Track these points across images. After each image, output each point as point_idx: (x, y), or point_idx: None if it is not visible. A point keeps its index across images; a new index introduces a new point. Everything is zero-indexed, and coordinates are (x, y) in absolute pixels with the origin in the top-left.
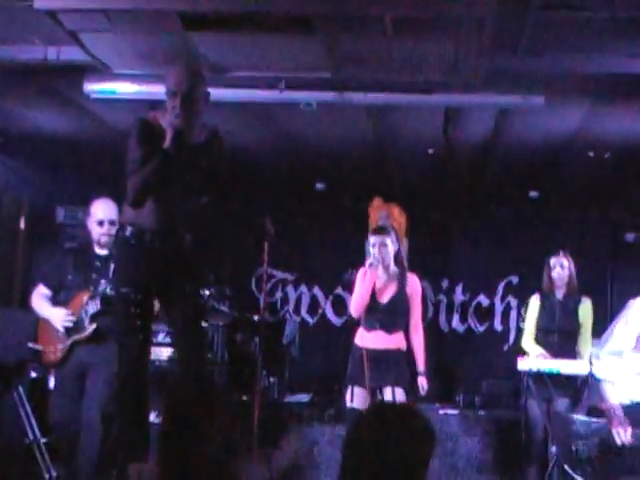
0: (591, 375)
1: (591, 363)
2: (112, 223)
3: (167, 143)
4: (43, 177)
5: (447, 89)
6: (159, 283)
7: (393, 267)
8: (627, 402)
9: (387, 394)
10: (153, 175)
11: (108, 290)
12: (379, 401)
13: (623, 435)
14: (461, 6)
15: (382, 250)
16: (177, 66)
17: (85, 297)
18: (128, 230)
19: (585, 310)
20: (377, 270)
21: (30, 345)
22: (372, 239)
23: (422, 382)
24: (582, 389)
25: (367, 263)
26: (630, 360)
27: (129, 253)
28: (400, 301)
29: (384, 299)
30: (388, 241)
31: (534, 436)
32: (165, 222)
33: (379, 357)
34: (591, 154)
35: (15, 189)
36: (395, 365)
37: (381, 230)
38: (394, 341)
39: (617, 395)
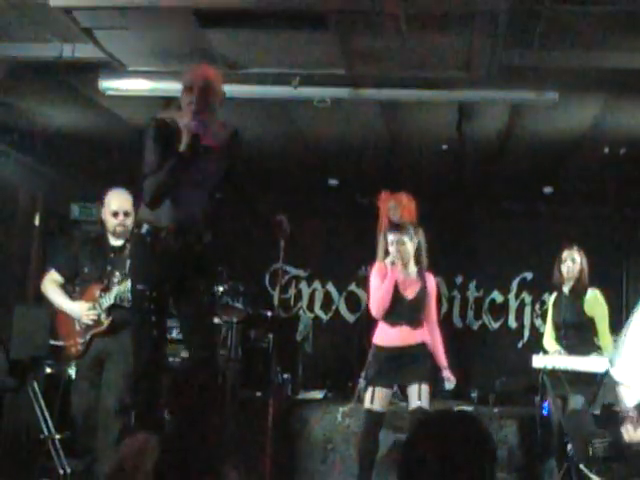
0: (607, 374)
1: (610, 363)
2: (126, 214)
3: (184, 146)
4: (58, 174)
5: (461, 85)
6: (173, 280)
7: (412, 264)
8: None
9: (413, 391)
10: (170, 177)
11: (122, 283)
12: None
13: (632, 433)
14: (474, 2)
15: (401, 248)
16: (194, 64)
17: (98, 290)
18: (144, 227)
19: (592, 302)
20: (397, 268)
21: (51, 342)
22: (390, 236)
23: (448, 375)
24: (598, 387)
25: (387, 261)
26: None
27: (145, 250)
28: (423, 296)
29: (409, 295)
30: (406, 238)
31: (549, 433)
32: (181, 220)
33: (405, 354)
34: (606, 150)
35: (30, 186)
36: (423, 360)
37: (398, 227)
38: (420, 335)
39: (632, 398)
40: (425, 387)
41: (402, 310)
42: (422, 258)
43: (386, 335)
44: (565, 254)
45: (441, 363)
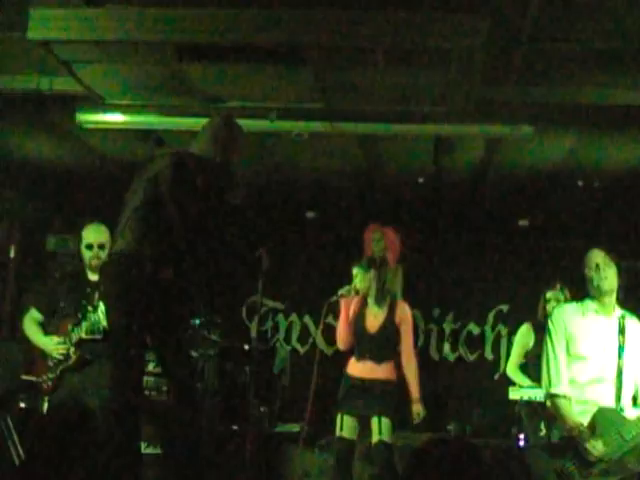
0: (551, 399)
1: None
2: (101, 247)
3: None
4: (34, 206)
5: (437, 119)
6: (148, 313)
7: (378, 296)
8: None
9: (374, 424)
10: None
11: (93, 317)
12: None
13: (596, 449)
14: (451, 37)
15: (363, 280)
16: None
17: (70, 324)
18: (119, 259)
19: None
20: (356, 300)
21: (23, 377)
22: (354, 270)
23: (417, 409)
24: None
25: (343, 291)
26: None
27: (119, 283)
28: (389, 331)
29: (372, 329)
30: (372, 272)
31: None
32: (157, 253)
33: (367, 387)
34: (580, 183)
35: (6, 217)
36: (382, 395)
37: (369, 260)
38: (383, 371)
39: (575, 411)
40: (386, 420)
41: (365, 344)
42: (389, 290)
43: (353, 366)
44: (549, 295)
45: (412, 395)
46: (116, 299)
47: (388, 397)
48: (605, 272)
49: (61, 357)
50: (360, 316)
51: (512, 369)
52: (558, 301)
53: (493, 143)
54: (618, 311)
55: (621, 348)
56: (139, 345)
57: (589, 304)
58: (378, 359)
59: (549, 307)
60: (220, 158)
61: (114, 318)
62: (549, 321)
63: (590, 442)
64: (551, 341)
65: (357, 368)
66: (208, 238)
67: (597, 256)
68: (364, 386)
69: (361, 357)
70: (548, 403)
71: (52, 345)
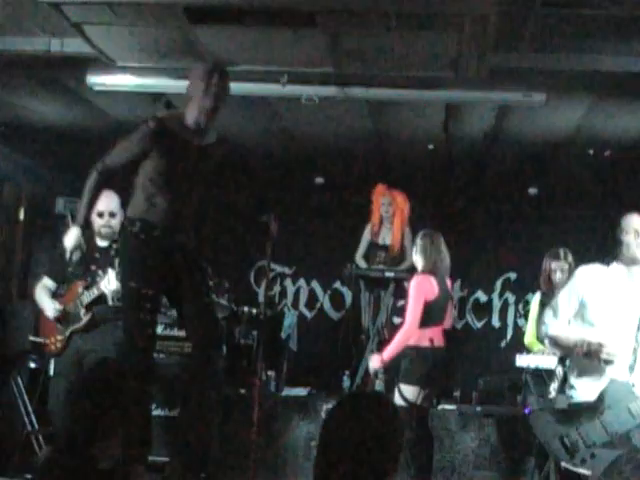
0: (550, 342)
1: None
2: (112, 215)
3: (209, 139)
4: (43, 168)
5: (448, 85)
6: (166, 277)
7: None
8: None
9: None
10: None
11: (104, 280)
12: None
13: (610, 354)
14: (464, 2)
15: None
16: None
17: (80, 287)
18: (135, 225)
19: None
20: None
21: (31, 338)
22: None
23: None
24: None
25: None
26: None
27: (135, 248)
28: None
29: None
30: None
31: (531, 433)
32: (171, 218)
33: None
34: (591, 152)
35: (15, 180)
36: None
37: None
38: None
39: (586, 381)
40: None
41: None
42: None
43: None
44: (554, 265)
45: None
46: (132, 265)
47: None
48: None
49: (53, 316)
50: None
51: (529, 340)
52: (563, 271)
53: (504, 110)
54: None
55: None
56: (151, 309)
57: (617, 271)
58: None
59: (555, 277)
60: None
61: (127, 281)
62: (572, 279)
63: (603, 349)
64: (562, 296)
65: None
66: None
67: (637, 221)
68: None
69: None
70: (550, 342)
71: (49, 306)
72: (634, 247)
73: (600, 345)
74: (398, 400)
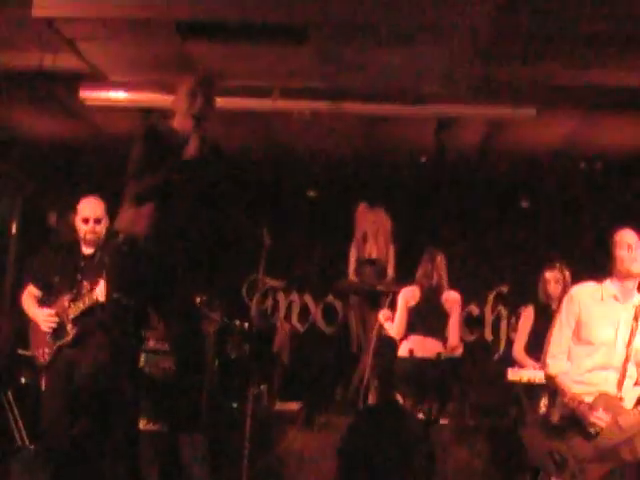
0: (548, 378)
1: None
2: (97, 221)
3: (193, 149)
4: (36, 182)
5: (440, 99)
6: (153, 290)
7: None
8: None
9: None
10: (170, 179)
11: (91, 292)
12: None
13: (600, 419)
14: (455, 17)
15: None
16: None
17: (67, 300)
18: (122, 237)
19: None
20: None
21: (20, 352)
22: None
23: None
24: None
25: None
26: (575, 355)
27: (123, 260)
28: None
29: None
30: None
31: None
32: (161, 230)
33: None
34: (582, 164)
35: (7, 194)
36: None
37: None
38: None
39: (574, 384)
40: None
41: None
42: None
43: None
44: (547, 275)
45: None
46: (117, 277)
47: None
48: (636, 253)
49: (49, 330)
50: None
51: (518, 352)
52: (557, 282)
53: (495, 124)
54: (636, 297)
55: (632, 336)
56: (139, 322)
57: (609, 288)
58: None
59: (549, 288)
60: (197, 116)
61: (114, 295)
62: (565, 299)
63: (592, 413)
64: (561, 320)
65: None
66: (203, 210)
67: (630, 236)
68: None
69: None
70: (547, 380)
71: (42, 317)
72: (628, 261)
73: (591, 408)
74: None
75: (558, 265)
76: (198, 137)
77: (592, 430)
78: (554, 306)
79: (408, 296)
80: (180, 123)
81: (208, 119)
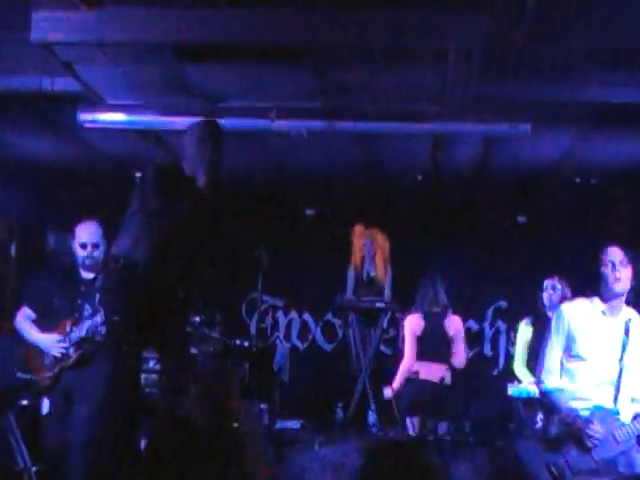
0: (542, 394)
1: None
2: (95, 246)
3: (201, 183)
4: (35, 204)
5: (435, 117)
6: (149, 313)
7: None
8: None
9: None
10: (187, 222)
11: (93, 317)
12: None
13: (596, 432)
14: (449, 36)
15: None
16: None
17: (68, 324)
18: (122, 262)
19: None
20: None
21: (19, 375)
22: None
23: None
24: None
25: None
26: (568, 370)
27: (122, 284)
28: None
29: None
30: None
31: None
32: (158, 257)
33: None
34: (577, 180)
35: (7, 215)
36: None
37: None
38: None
39: (569, 399)
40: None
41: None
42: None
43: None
44: (546, 283)
45: None
46: (116, 300)
47: None
48: (620, 272)
49: (59, 355)
50: None
51: (517, 367)
52: (554, 289)
53: (491, 141)
54: (626, 312)
55: (624, 351)
56: (138, 343)
57: (597, 304)
58: None
59: (545, 295)
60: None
61: (113, 318)
62: (554, 316)
63: (588, 426)
64: (550, 336)
65: None
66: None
67: (615, 254)
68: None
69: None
70: (542, 396)
71: (52, 343)
72: (612, 281)
73: (586, 423)
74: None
75: (557, 277)
76: (208, 182)
77: (589, 443)
78: (550, 315)
79: (414, 327)
80: (190, 168)
81: (217, 165)
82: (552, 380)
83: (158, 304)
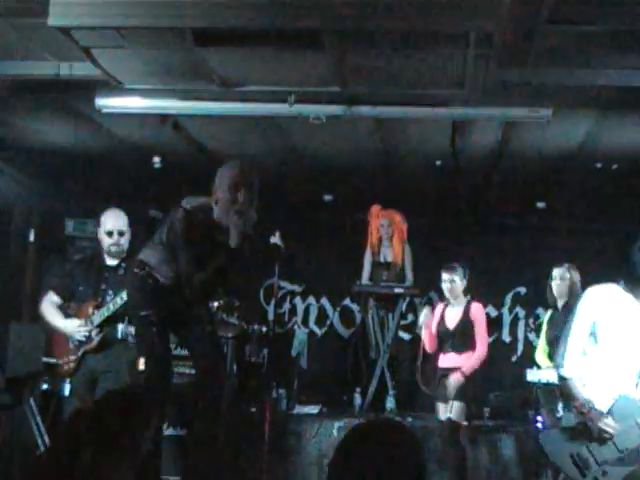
0: (561, 381)
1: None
2: (121, 234)
3: (233, 243)
4: (53, 190)
5: (455, 102)
6: (172, 312)
7: (461, 298)
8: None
9: (451, 407)
10: (217, 272)
11: (115, 300)
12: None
13: (610, 426)
14: (469, 20)
15: (452, 286)
16: (237, 161)
17: (91, 307)
18: (147, 270)
19: None
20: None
21: (44, 359)
22: (443, 275)
23: (457, 377)
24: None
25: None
26: (593, 356)
27: (146, 289)
28: (466, 326)
29: (451, 325)
30: (456, 277)
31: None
32: (185, 277)
33: (448, 375)
34: (598, 165)
35: (25, 202)
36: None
37: (450, 268)
38: (462, 360)
39: (587, 389)
40: (457, 403)
41: (447, 338)
42: (467, 293)
43: (440, 359)
44: (555, 272)
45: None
46: (141, 300)
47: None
48: None
49: (83, 339)
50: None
51: (539, 354)
52: (563, 279)
53: (511, 126)
54: None
55: None
56: (163, 333)
57: (626, 291)
58: (458, 351)
59: (553, 284)
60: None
61: (139, 313)
62: (581, 301)
63: (602, 420)
64: (575, 322)
65: (442, 360)
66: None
67: None
68: (447, 375)
69: (445, 351)
70: (560, 382)
71: (75, 328)
72: None
73: (600, 416)
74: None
75: (566, 265)
76: (239, 231)
77: (604, 436)
78: (559, 305)
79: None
80: (221, 215)
81: (250, 213)
82: (572, 366)
83: (179, 306)
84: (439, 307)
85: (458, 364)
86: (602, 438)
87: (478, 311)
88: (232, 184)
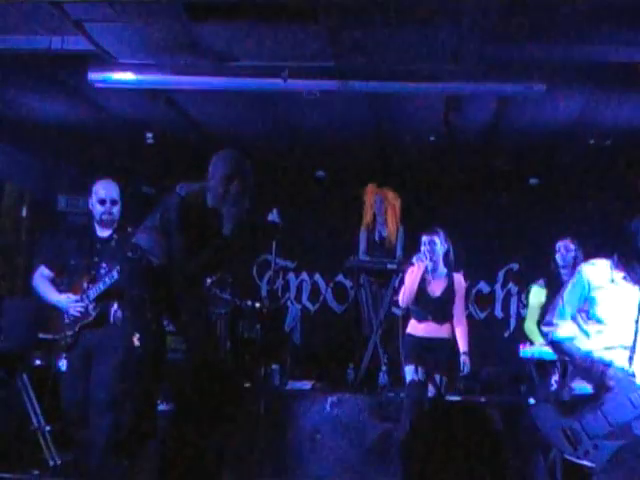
0: (555, 344)
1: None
2: (113, 202)
3: (227, 231)
4: (45, 165)
5: (449, 77)
6: (165, 292)
7: (441, 265)
8: None
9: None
10: (210, 259)
11: (112, 273)
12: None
13: (610, 378)
14: None
15: (431, 247)
16: (230, 151)
17: (85, 281)
18: (140, 253)
19: None
20: (424, 265)
21: (41, 335)
22: (423, 237)
23: (465, 360)
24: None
25: (415, 258)
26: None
27: (139, 270)
28: (448, 295)
29: (435, 293)
30: (437, 239)
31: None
32: (178, 259)
33: (430, 346)
34: (591, 141)
35: (17, 178)
36: (445, 354)
37: (431, 230)
38: (444, 331)
39: (580, 345)
40: (445, 378)
41: (428, 307)
42: (450, 260)
43: (415, 327)
44: (559, 244)
45: (463, 349)
46: (134, 280)
47: (450, 355)
48: None
49: (78, 314)
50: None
51: (529, 327)
52: (567, 250)
53: (505, 101)
54: None
55: None
56: (157, 310)
57: (618, 266)
58: (439, 320)
59: (558, 256)
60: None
61: (133, 291)
62: (575, 274)
63: (607, 370)
64: (566, 290)
65: (420, 329)
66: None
67: None
68: (428, 345)
69: (423, 319)
70: (552, 346)
71: (70, 303)
72: None
73: (605, 367)
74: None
75: (570, 237)
76: (233, 220)
77: (609, 384)
78: (564, 276)
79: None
80: (214, 203)
81: (244, 203)
82: (563, 328)
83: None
84: (417, 268)
85: (440, 335)
86: (606, 387)
87: (461, 282)
88: (225, 175)
